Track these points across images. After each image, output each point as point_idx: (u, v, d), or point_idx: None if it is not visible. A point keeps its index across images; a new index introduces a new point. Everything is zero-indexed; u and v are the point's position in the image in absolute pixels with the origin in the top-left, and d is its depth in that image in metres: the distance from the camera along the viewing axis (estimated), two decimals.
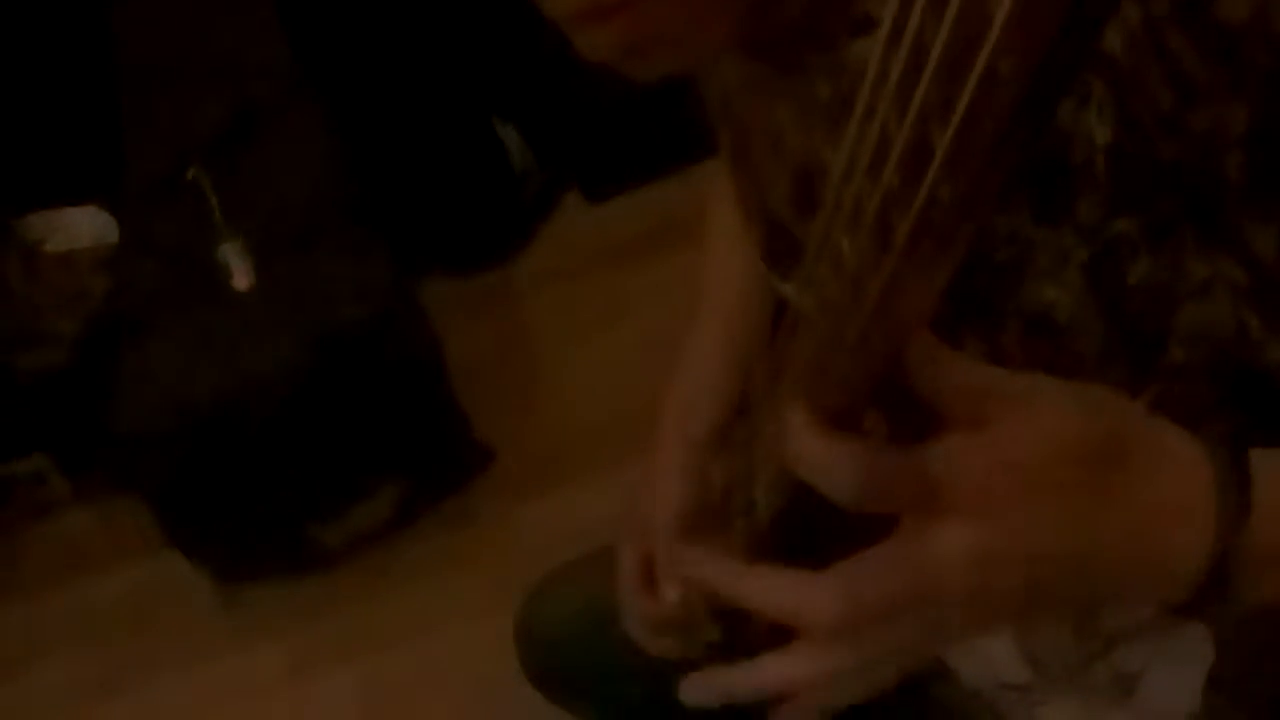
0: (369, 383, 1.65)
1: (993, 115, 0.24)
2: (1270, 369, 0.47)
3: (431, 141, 2.07)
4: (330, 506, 1.74)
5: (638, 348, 1.94)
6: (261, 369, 1.57)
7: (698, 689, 0.49)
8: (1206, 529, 0.40)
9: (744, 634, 0.49)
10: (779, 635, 0.44)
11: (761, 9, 0.49)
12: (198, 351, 1.58)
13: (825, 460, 0.39)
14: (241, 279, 1.61)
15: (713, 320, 0.88)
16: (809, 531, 0.49)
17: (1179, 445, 0.41)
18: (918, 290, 0.32)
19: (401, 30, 2.00)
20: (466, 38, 2.04)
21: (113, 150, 1.72)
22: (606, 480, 1.81)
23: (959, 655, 0.72)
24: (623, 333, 1.98)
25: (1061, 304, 0.49)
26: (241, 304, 1.60)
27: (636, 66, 0.48)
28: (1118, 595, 0.46)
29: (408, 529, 1.79)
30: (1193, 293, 0.47)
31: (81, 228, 1.77)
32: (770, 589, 0.43)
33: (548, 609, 0.98)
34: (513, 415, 1.89)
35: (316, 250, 1.62)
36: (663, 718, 0.88)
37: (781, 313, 0.50)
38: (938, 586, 0.39)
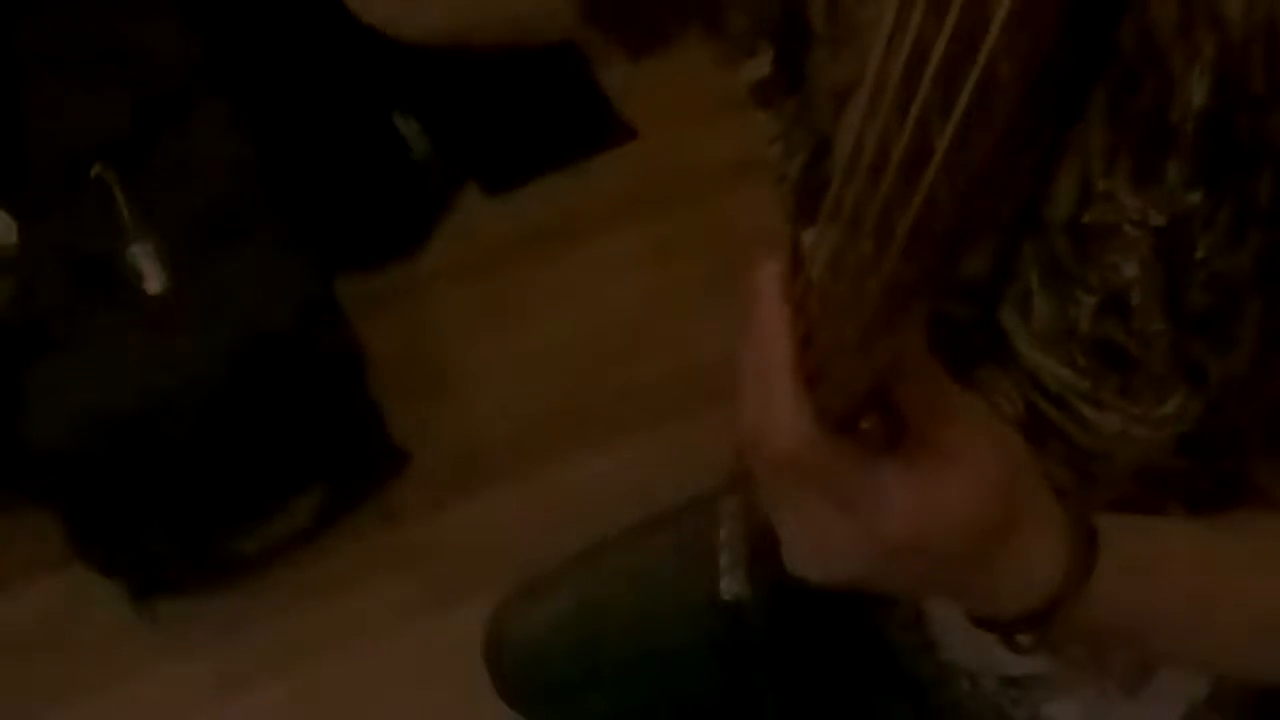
0: (289, 386, 1.60)
1: (992, 117, 0.24)
2: None
3: (331, 136, 2.03)
4: (249, 516, 1.69)
5: (542, 339, 1.93)
6: (176, 376, 1.51)
7: None
8: (1035, 601, 0.46)
9: None
10: None
11: None
12: (108, 359, 1.51)
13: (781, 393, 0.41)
14: (153, 282, 1.54)
15: None
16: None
17: (1046, 536, 0.45)
18: (915, 291, 0.32)
19: (298, 23, 1.94)
20: (364, 30, 1.99)
21: (10, 147, 1.63)
22: (523, 473, 1.80)
23: (962, 651, 0.73)
24: (527, 324, 1.97)
25: (1137, 285, 0.48)
26: (154, 308, 1.54)
27: None
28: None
29: (328, 534, 1.75)
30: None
31: None
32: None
33: (532, 614, 0.92)
34: (422, 412, 1.86)
35: (233, 250, 1.56)
36: None
37: None
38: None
